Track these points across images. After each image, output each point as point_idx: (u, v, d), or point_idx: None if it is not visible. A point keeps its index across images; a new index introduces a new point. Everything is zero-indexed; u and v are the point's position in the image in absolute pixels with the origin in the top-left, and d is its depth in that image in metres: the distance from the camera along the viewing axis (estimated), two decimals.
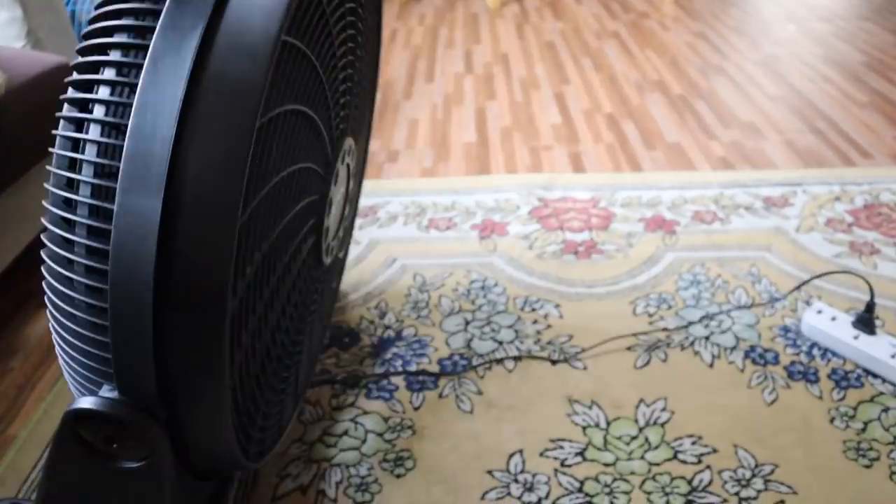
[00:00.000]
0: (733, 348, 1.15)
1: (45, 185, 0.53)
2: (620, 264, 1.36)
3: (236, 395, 0.56)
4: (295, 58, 0.55)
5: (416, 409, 1.08)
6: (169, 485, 0.56)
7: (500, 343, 1.19)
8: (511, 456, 1.00)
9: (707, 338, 1.17)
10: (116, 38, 0.51)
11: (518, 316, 1.25)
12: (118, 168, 0.48)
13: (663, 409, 1.05)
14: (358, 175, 0.98)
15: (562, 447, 1.01)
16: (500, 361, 1.15)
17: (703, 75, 2.22)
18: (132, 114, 0.48)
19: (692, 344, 1.16)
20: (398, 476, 0.98)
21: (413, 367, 1.15)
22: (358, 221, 1.54)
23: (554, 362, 1.15)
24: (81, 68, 0.52)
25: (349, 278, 1.37)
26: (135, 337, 0.50)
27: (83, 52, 0.53)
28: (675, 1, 2.98)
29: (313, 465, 1.00)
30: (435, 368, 1.15)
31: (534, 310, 1.26)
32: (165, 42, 0.48)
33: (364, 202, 1.61)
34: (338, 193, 0.78)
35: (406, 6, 3.12)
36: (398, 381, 1.13)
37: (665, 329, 1.20)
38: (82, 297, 0.52)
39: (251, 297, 0.56)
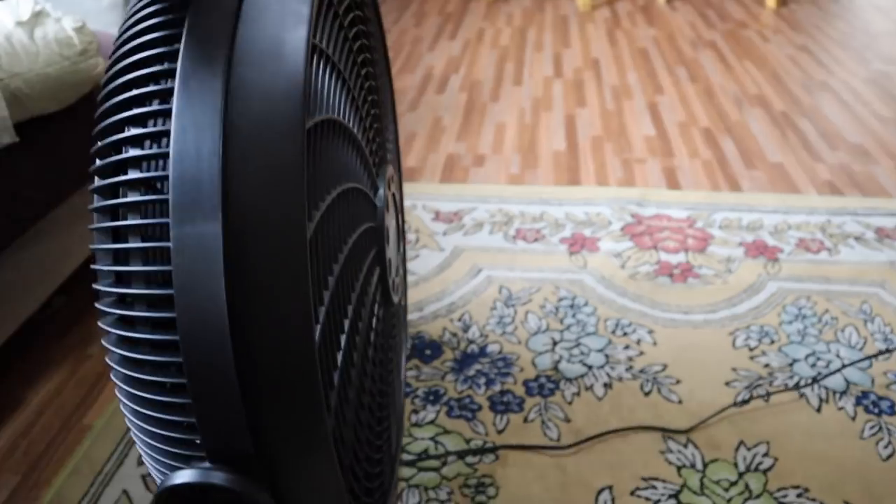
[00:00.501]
0: (843, 393, 1.07)
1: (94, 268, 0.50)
2: (719, 291, 1.29)
3: (338, 448, 0.50)
4: (323, 66, 0.51)
5: (500, 432, 1.03)
6: None
7: (590, 367, 1.13)
8: (600, 492, 0.94)
9: (814, 379, 1.09)
10: (136, 111, 0.48)
11: (609, 339, 1.19)
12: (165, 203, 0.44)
13: (765, 455, 0.98)
14: (402, 210, 0.93)
15: (654, 487, 0.94)
16: (589, 388, 1.10)
17: (806, 91, 2.11)
18: (172, 138, 0.44)
19: (797, 385, 1.08)
20: (479, 503, 0.93)
21: (497, 387, 1.10)
22: (442, 227, 1.50)
23: (647, 393, 1.08)
24: (104, 155, 0.49)
25: (432, 287, 1.32)
26: (219, 394, 0.45)
27: (102, 134, 0.50)
28: (775, 11, 2.86)
29: None
30: (520, 390, 1.10)
31: (625, 334, 1.20)
32: (191, 64, 0.44)
33: (449, 207, 1.57)
34: (391, 223, 0.73)
35: (493, 6, 3.07)
36: (481, 400, 1.08)
37: (767, 366, 1.12)
38: (149, 357, 0.48)
39: (332, 329, 0.51)
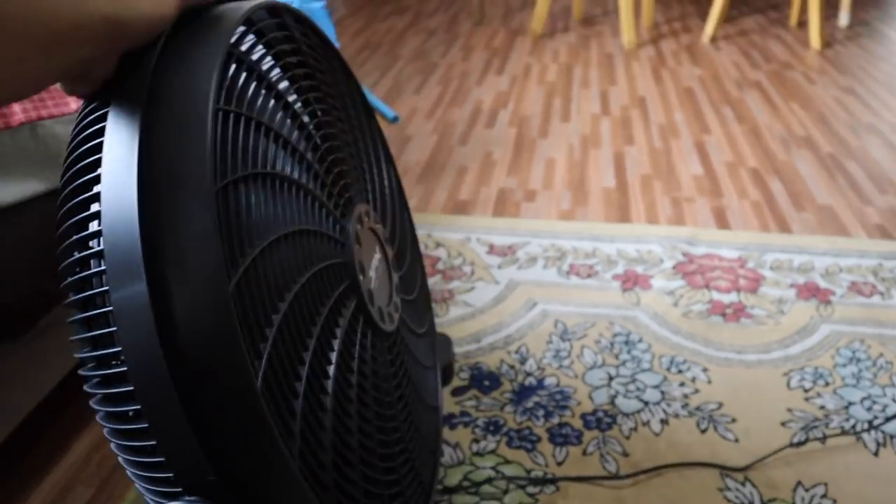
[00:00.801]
0: None
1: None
2: (772, 332, 1.31)
3: (314, 471, 0.54)
4: (239, 126, 0.55)
5: (560, 464, 1.06)
6: None
7: (646, 403, 1.15)
8: None
9: (870, 423, 1.10)
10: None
11: (664, 376, 1.21)
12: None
13: (823, 496, 0.99)
14: (400, 241, 0.95)
15: None
16: (646, 423, 1.12)
17: (853, 133, 2.13)
18: (102, 219, 0.49)
19: (854, 427, 1.10)
20: None
21: (556, 420, 1.13)
22: (496, 260, 1.53)
23: (703, 430, 1.10)
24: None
25: (488, 319, 1.36)
26: (172, 431, 0.49)
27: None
28: (819, 52, 2.88)
29: None
30: (578, 423, 1.12)
31: (680, 371, 1.22)
32: (112, 147, 0.49)
33: (502, 240, 1.60)
34: (372, 256, 0.76)
35: (539, 42, 3.13)
36: (541, 432, 1.11)
37: (823, 407, 1.14)
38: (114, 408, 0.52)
39: (283, 360, 0.54)
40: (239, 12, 0.60)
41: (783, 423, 1.11)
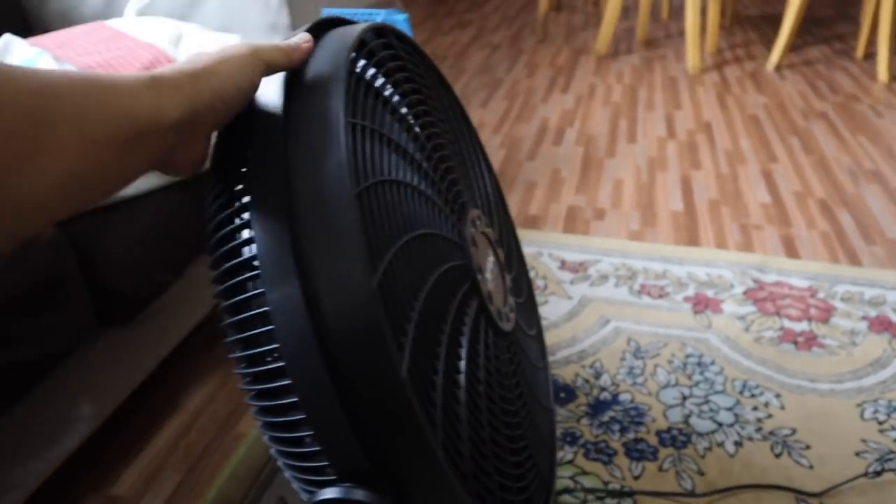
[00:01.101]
0: None
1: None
2: (844, 362, 1.32)
3: (454, 461, 0.57)
4: (367, 137, 0.59)
5: (636, 478, 1.08)
6: None
7: (720, 425, 1.17)
8: None
9: None
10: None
11: (737, 399, 1.23)
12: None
13: None
14: (507, 244, 0.99)
15: None
16: (720, 444, 1.14)
17: None
18: (254, 226, 0.53)
19: None
20: None
21: (631, 435, 1.15)
22: (568, 276, 1.56)
23: (777, 455, 1.12)
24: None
25: (562, 333, 1.39)
26: (329, 420, 0.52)
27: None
28: (886, 85, 2.87)
29: None
30: (653, 439, 1.14)
31: (753, 396, 1.24)
32: (261, 161, 0.55)
33: (574, 257, 1.63)
34: (487, 258, 0.79)
35: (603, 62, 3.15)
36: (616, 446, 1.13)
37: None
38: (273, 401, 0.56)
39: (422, 353, 0.58)
40: (352, 36, 0.65)
41: (857, 454, 1.12)
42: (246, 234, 0.57)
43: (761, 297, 1.50)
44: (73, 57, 1.05)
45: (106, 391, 1.09)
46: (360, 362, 0.52)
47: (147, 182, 1.03)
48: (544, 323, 1.42)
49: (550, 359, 1.32)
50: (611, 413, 1.20)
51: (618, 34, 3.58)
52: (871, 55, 3.18)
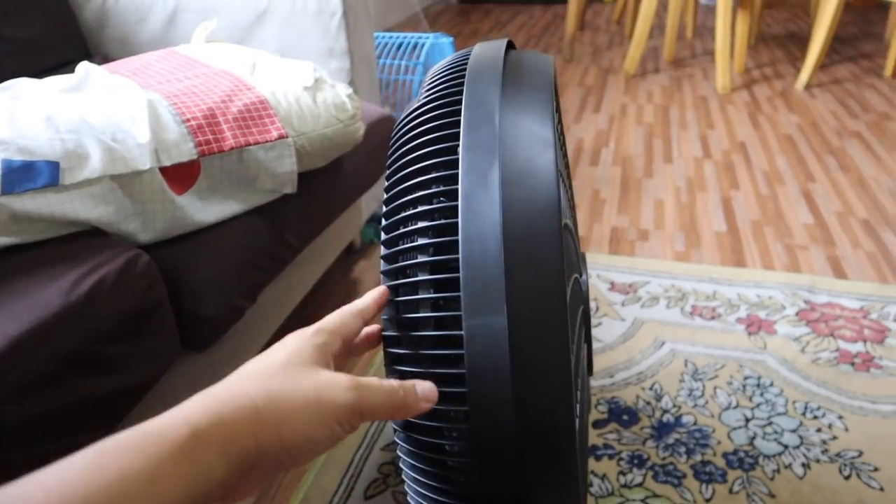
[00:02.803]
0: None
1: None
2: None
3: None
4: (559, 180, 0.60)
5: (707, 500, 1.09)
6: None
7: (786, 447, 1.18)
8: None
9: None
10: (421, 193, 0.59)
11: (800, 421, 1.23)
12: (455, 299, 0.53)
13: None
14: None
15: None
16: (788, 466, 1.14)
17: None
18: (461, 245, 0.54)
19: None
20: None
21: (698, 457, 1.16)
22: (619, 297, 1.57)
23: (847, 477, 1.13)
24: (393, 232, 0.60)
25: (618, 355, 1.40)
26: (498, 455, 0.52)
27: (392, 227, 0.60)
28: None
29: None
30: (721, 462, 1.15)
31: (816, 417, 1.24)
32: (471, 183, 0.54)
33: (622, 278, 1.64)
34: (588, 305, 0.81)
35: (632, 81, 3.18)
36: (685, 468, 1.14)
37: None
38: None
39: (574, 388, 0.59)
40: (546, 62, 0.66)
41: None
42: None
43: (814, 318, 1.51)
44: (153, 85, 1.07)
45: None
46: (548, 408, 0.52)
47: (227, 209, 1.05)
48: (599, 345, 1.43)
49: (610, 381, 1.33)
50: (675, 435, 1.20)
51: (644, 53, 3.61)
52: None
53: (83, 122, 0.93)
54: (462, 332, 0.51)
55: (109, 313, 0.84)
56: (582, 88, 3.08)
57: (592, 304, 1.55)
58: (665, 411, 1.26)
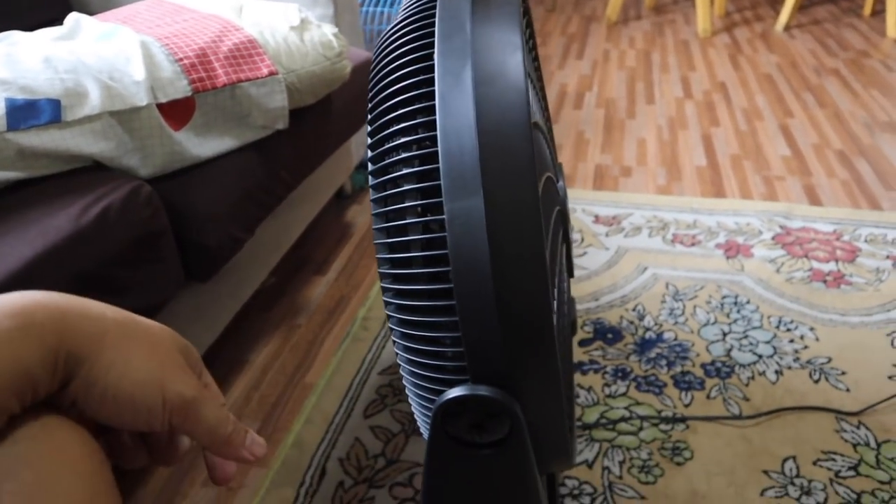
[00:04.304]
0: None
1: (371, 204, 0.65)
2: (872, 297, 1.39)
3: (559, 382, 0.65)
4: (528, 81, 0.65)
5: (687, 405, 1.16)
6: (531, 452, 0.66)
7: (760, 356, 1.25)
8: (785, 461, 1.06)
9: None
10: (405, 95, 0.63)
11: (774, 333, 1.30)
12: (437, 188, 0.58)
13: None
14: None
15: (834, 460, 1.06)
16: (762, 373, 1.21)
17: None
18: (439, 140, 0.59)
19: None
20: (678, 464, 1.06)
21: (678, 368, 1.23)
22: (603, 229, 1.63)
23: (816, 381, 1.20)
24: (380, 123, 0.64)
25: (603, 281, 1.46)
26: (481, 323, 0.59)
27: (376, 131, 0.64)
28: (895, 41, 2.92)
29: (595, 444, 1.10)
30: (699, 372, 1.22)
31: (789, 329, 1.31)
32: (447, 85, 0.59)
33: (606, 211, 1.70)
34: (566, 209, 0.86)
35: (613, 29, 3.20)
36: (666, 378, 1.21)
37: None
38: (426, 302, 0.61)
39: (550, 281, 0.64)
40: None
41: (890, 377, 1.20)
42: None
43: (789, 241, 1.57)
44: (144, 30, 1.11)
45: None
46: (524, 275, 0.58)
47: (222, 144, 1.10)
48: (584, 272, 1.49)
49: (595, 304, 1.40)
50: (657, 350, 1.27)
51: (626, 1, 3.63)
52: (879, 12, 3.23)
53: (80, 62, 0.97)
54: (444, 217, 0.57)
55: (116, 238, 0.89)
56: (564, 37, 3.10)
57: (577, 236, 1.61)
58: (647, 329, 1.32)
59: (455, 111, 0.59)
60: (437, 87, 0.60)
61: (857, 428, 1.11)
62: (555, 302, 0.70)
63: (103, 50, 1.01)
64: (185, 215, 1.03)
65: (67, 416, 0.38)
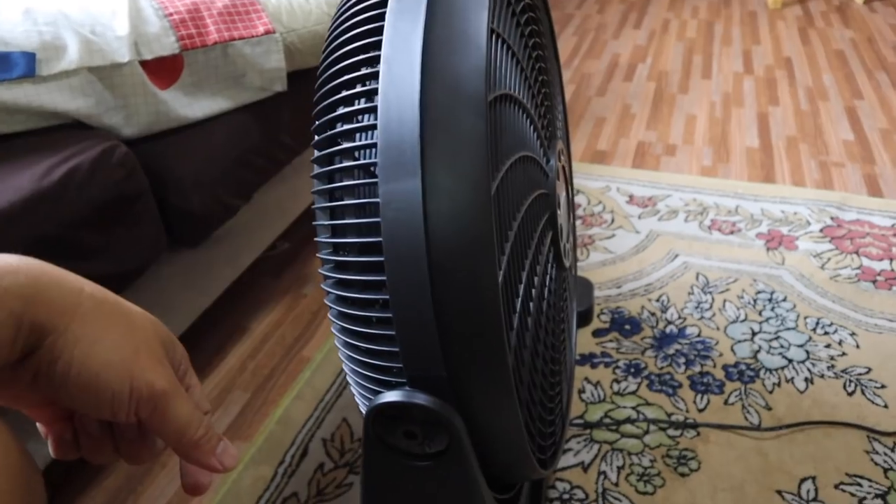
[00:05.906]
0: None
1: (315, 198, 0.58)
2: None
3: (517, 384, 0.56)
4: (500, 48, 0.56)
5: (700, 410, 1.06)
6: (475, 469, 0.58)
7: (790, 361, 1.14)
8: (803, 481, 0.96)
9: None
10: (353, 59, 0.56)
11: (809, 336, 1.19)
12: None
13: None
14: (572, 184, 0.96)
15: (860, 484, 0.95)
16: (790, 380, 1.11)
17: None
18: (379, 112, 0.50)
19: None
20: (682, 475, 0.97)
21: (697, 368, 1.13)
22: (637, 210, 1.53)
23: (850, 393, 1.09)
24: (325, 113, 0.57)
25: (628, 267, 1.36)
26: (417, 322, 0.50)
27: (319, 113, 0.57)
28: None
29: (594, 444, 1.02)
30: (720, 373, 1.12)
31: (826, 333, 1.20)
32: (394, 49, 0.50)
33: (642, 192, 1.60)
34: (561, 192, 0.77)
35: None
36: (681, 378, 1.12)
37: None
38: (361, 295, 0.54)
39: (511, 277, 0.56)
40: None
41: None
42: (366, 119, 0.55)
43: (839, 234, 1.44)
44: None
45: (177, 311, 1.12)
46: (464, 267, 0.50)
47: (214, 105, 1.04)
48: (610, 255, 1.39)
49: (616, 291, 1.30)
50: (676, 346, 1.18)
51: None
52: None
53: (62, 14, 0.92)
54: (378, 199, 0.49)
55: (84, 200, 0.84)
56: (624, 4, 2.95)
57: (608, 217, 1.51)
58: (669, 322, 1.23)
59: (399, 79, 0.51)
60: (383, 52, 0.52)
61: (892, 450, 1.00)
62: (531, 302, 0.62)
63: (90, 2, 0.96)
64: (167, 178, 0.97)
65: (28, 395, 0.37)
